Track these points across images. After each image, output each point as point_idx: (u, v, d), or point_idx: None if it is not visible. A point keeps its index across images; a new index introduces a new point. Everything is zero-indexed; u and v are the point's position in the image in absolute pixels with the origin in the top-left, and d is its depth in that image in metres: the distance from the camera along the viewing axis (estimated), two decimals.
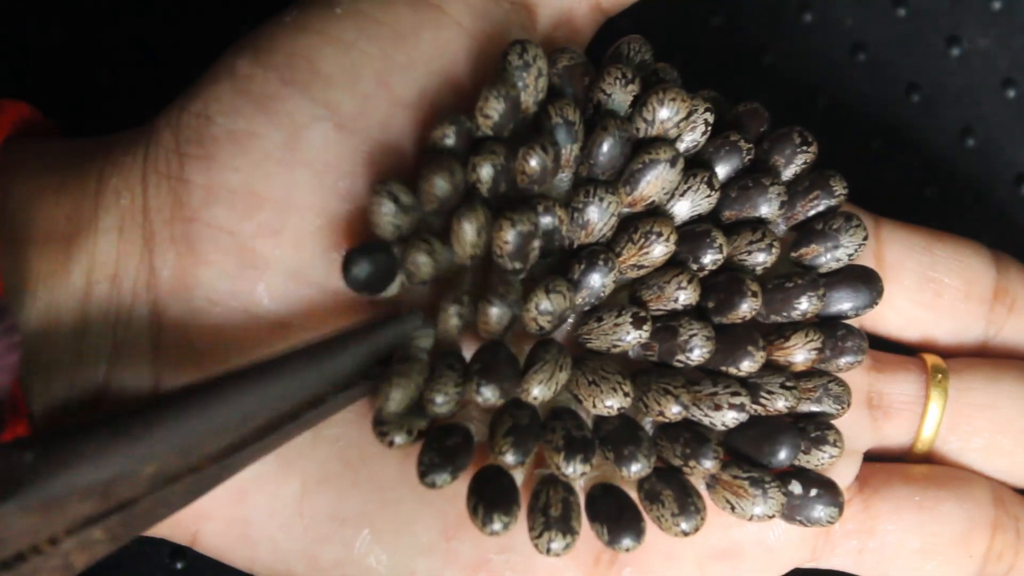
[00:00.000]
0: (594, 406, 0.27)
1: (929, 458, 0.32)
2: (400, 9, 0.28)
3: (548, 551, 0.27)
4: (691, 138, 0.29)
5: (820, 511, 0.29)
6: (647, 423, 0.29)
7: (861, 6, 0.37)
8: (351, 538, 0.28)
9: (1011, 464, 0.32)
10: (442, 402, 0.27)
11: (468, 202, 0.27)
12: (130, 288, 0.28)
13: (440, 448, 0.27)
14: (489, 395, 0.27)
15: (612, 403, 0.27)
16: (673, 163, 0.28)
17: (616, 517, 0.27)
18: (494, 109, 0.27)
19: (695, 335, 0.28)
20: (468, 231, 0.27)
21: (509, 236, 0.27)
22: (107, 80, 0.36)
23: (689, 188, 0.28)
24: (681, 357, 0.28)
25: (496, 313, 0.27)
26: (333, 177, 0.28)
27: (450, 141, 0.27)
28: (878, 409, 0.31)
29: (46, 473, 0.22)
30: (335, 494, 0.28)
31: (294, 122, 0.28)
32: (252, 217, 0.28)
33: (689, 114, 0.28)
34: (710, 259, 0.28)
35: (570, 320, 0.29)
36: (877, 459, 0.32)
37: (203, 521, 0.28)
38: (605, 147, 0.28)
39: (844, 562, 0.31)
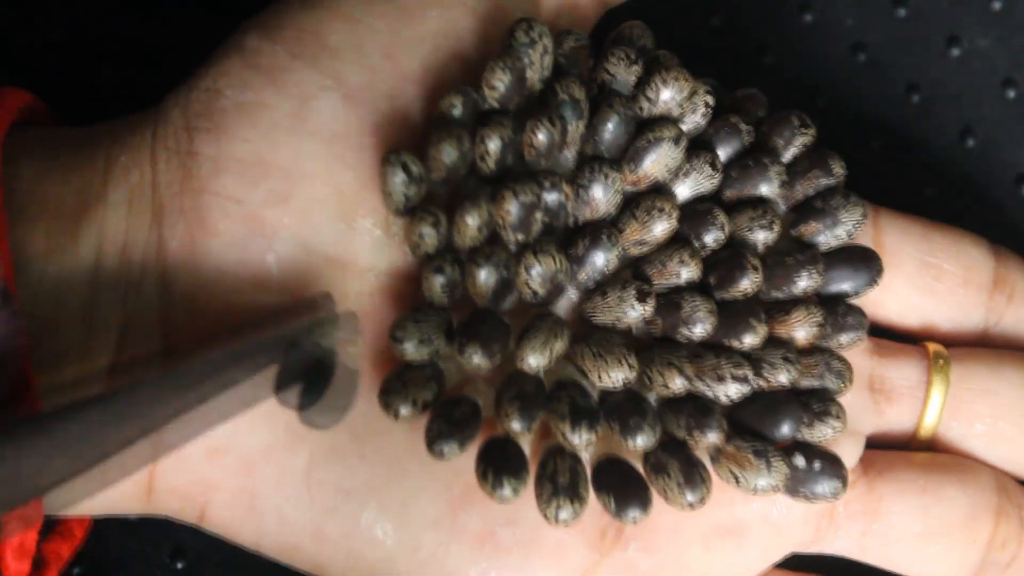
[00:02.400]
0: (599, 379, 0.28)
1: (932, 446, 0.32)
2: None
3: (556, 518, 0.27)
4: (692, 120, 0.29)
5: (824, 485, 0.29)
6: (652, 398, 0.29)
7: (861, 6, 0.38)
8: (358, 511, 0.28)
9: (1013, 451, 0.32)
10: (413, 351, 0.27)
11: (472, 196, 0.27)
12: (139, 260, 0.28)
13: (448, 418, 0.27)
14: (471, 354, 0.27)
15: (617, 375, 0.27)
16: (677, 142, 0.28)
17: (622, 487, 0.28)
18: (500, 81, 0.28)
19: (697, 309, 0.28)
20: (470, 226, 0.27)
21: (511, 207, 0.27)
22: (107, 78, 0.36)
23: (692, 169, 0.29)
24: (684, 331, 0.28)
25: (484, 275, 0.27)
26: (341, 147, 0.28)
27: (457, 111, 0.28)
28: (880, 393, 0.31)
29: None
30: (343, 466, 0.28)
31: (302, 93, 0.28)
32: (260, 185, 0.28)
33: (691, 94, 0.28)
34: (712, 237, 0.29)
35: (573, 296, 0.29)
36: (881, 447, 0.32)
37: (211, 492, 0.28)
38: (610, 125, 0.28)
39: (848, 544, 0.31)
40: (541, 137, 0.27)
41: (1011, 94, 0.37)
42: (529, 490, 0.28)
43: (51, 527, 0.29)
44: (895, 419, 0.32)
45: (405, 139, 0.28)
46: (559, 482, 0.27)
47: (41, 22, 0.36)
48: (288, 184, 0.28)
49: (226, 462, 0.28)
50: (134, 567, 0.33)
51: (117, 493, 0.28)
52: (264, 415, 0.28)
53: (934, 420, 0.32)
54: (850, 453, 0.31)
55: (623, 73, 0.28)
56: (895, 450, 0.32)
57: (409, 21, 0.29)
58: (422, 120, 0.29)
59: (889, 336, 0.33)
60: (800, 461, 0.29)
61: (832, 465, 0.29)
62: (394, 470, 0.28)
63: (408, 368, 0.28)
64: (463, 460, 0.28)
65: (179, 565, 0.33)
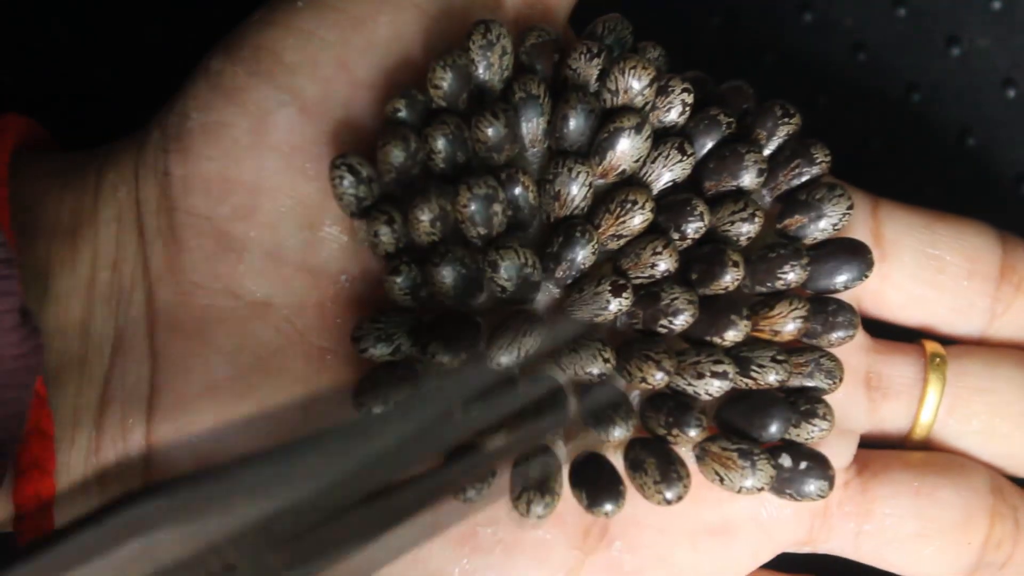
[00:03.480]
0: (575, 373, 0.28)
1: (927, 445, 0.32)
2: None
3: (528, 512, 0.27)
4: (669, 119, 0.29)
5: (810, 484, 0.29)
6: (634, 395, 0.29)
7: (861, 6, 0.38)
8: None
9: (1008, 448, 0.32)
10: (373, 350, 0.28)
11: (423, 191, 0.28)
12: (129, 275, 0.29)
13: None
14: (434, 352, 0.27)
15: (593, 369, 0.27)
16: (638, 130, 0.28)
17: (595, 481, 0.28)
18: (442, 79, 0.28)
19: (676, 299, 0.28)
20: (423, 219, 0.28)
21: (467, 201, 0.27)
22: (107, 80, 0.37)
23: (660, 155, 0.29)
24: (664, 322, 0.28)
25: (443, 274, 0.27)
26: (300, 159, 0.29)
27: (403, 114, 0.28)
28: (876, 390, 0.31)
29: None
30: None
31: (260, 109, 0.29)
32: (226, 201, 0.29)
33: (653, 81, 0.28)
34: (692, 228, 0.28)
35: (555, 292, 0.29)
36: (876, 445, 0.32)
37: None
38: (571, 120, 0.28)
39: (842, 545, 0.31)
40: (488, 131, 0.28)
41: (1011, 94, 0.37)
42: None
43: None
44: (891, 417, 0.32)
45: (361, 146, 0.29)
46: (530, 478, 0.27)
47: (41, 23, 0.37)
48: (252, 199, 0.29)
49: None
50: None
51: None
52: (249, 422, 0.28)
53: (930, 418, 0.31)
54: (843, 452, 0.31)
55: (584, 67, 0.28)
56: (890, 449, 0.32)
57: (361, 29, 0.29)
58: (377, 126, 0.29)
59: (892, 330, 0.32)
60: (787, 460, 0.29)
61: (819, 465, 0.29)
62: None
63: (380, 369, 0.28)
64: None
65: None
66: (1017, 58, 0.37)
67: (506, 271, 0.27)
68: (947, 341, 0.32)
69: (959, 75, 0.37)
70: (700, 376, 0.28)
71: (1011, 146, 0.37)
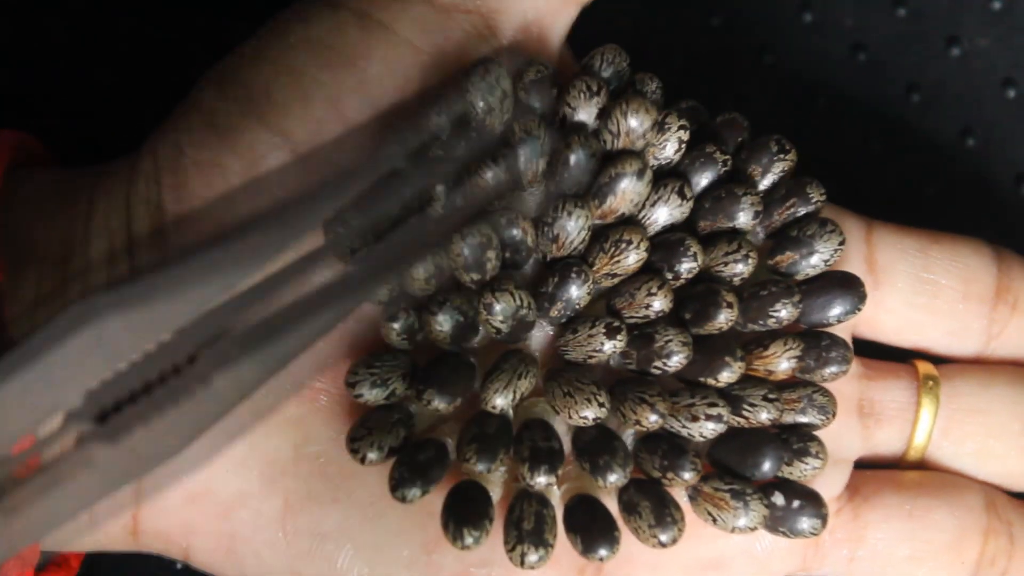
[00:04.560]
0: (570, 417, 0.28)
1: (922, 464, 0.32)
2: (349, 33, 0.29)
3: (522, 563, 0.27)
4: (665, 156, 0.29)
5: (803, 523, 0.29)
6: (628, 436, 0.29)
7: (861, 6, 0.37)
8: (333, 553, 0.29)
9: (1004, 468, 0.32)
10: (368, 394, 0.28)
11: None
12: None
13: (411, 463, 0.27)
14: (429, 399, 0.27)
15: (587, 414, 0.27)
16: (640, 175, 0.28)
17: (589, 527, 0.28)
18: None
19: (671, 340, 0.28)
20: (419, 278, 0.28)
21: (462, 249, 0.27)
22: (107, 79, 0.37)
23: (660, 199, 0.29)
24: (659, 364, 0.28)
25: (439, 321, 0.28)
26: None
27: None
28: (869, 417, 0.31)
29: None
30: (317, 511, 0.29)
31: (253, 152, 0.29)
32: None
33: (655, 124, 0.28)
34: (686, 267, 0.28)
35: (549, 330, 0.29)
36: (870, 466, 0.32)
37: (192, 536, 0.29)
38: (571, 163, 0.28)
39: (835, 571, 0.31)
40: (488, 177, 0.27)
41: (1011, 94, 0.37)
42: (500, 531, 0.28)
43: (48, 560, 0.30)
44: (884, 441, 0.32)
45: None
46: (524, 528, 0.27)
47: (41, 23, 0.37)
48: None
49: (204, 507, 0.28)
50: (134, 567, 0.34)
51: (104, 535, 0.29)
52: (239, 461, 0.28)
53: (924, 440, 0.32)
54: (835, 481, 0.31)
55: (584, 105, 0.28)
56: (884, 469, 0.32)
57: (352, 68, 0.29)
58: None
59: (887, 350, 0.32)
60: (779, 499, 0.29)
61: (812, 503, 0.29)
62: (368, 513, 0.29)
63: (374, 413, 0.28)
64: (437, 502, 0.28)
65: (179, 565, 0.34)
66: (1017, 58, 0.37)
67: (501, 312, 0.27)
68: (943, 361, 0.33)
69: (959, 75, 0.37)
70: (695, 419, 0.28)
71: (1011, 146, 0.37)
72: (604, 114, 0.28)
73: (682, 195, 0.29)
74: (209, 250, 0.22)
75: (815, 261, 0.29)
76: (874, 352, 0.32)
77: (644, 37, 0.31)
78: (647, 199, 0.29)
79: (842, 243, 0.29)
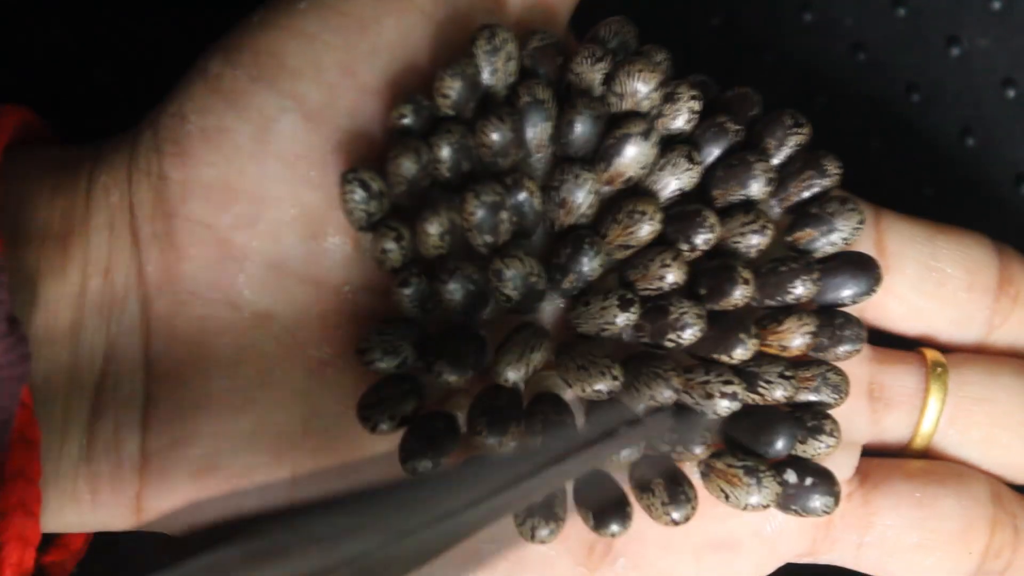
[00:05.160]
0: (583, 391, 0.27)
1: (928, 453, 0.32)
2: None
3: (533, 537, 0.27)
4: (676, 125, 0.29)
5: (816, 500, 0.29)
6: (640, 409, 0.28)
7: (861, 6, 0.37)
8: None
9: (1008, 458, 0.32)
10: (379, 362, 0.28)
11: (432, 204, 0.27)
12: (122, 283, 0.28)
13: (422, 434, 0.27)
14: (440, 371, 0.27)
15: (601, 387, 0.27)
16: (646, 136, 0.28)
17: (601, 502, 0.27)
18: (451, 88, 0.28)
19: (685, 313, 0.27)
20: (431, 233, 0.27)
21: (474, 208, 0.27)
22: (107, 79, 0.36)
23: (667, 163, 0.28)
24: (672, 336, 0.28)
25: (451, 289, 0.27)
26: (304, 167, 0.28)
27: (408, 121, 0.28)
28: (879, 401, 0.31)
29: None
30: (324, 485, 0.28)
31: (263, 116, 0.28)
32: (228, 210, 0.28)
33: (660, 86, 0.28)
34: (702, 239, 0.28)
35: (560, 303, 0.29)
36: (876, 454, 0.32)
37: (198, 512, 0.28)
38: (577, 125, 0.28)
39: (844, 556, 0.31)
40: (494, 136, 0.27)
41: (1011, 94, 0.37)
42: None
43: (50, 541, 0.30)
44: (892, 426, 0.31)
45: (368, 154, 0.29)
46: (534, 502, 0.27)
47: (41, 23, 0.37)
48: (255, 208, 0.28)
49: (210, 483, 0.28)
50: (133, 567, 0.33)
51: (107, 515, 0.28)
52: (247, 435, 0.28)
53: (930, 428, 0.31)
54: (845, 464, 0.30)
55: (588, 71, 0.28)
56: (891, 457, 0.32)
57: (365, 33, 0.29)
58: (383, 133, 0.29)
59: (891, 339, 0.32)
60: (792, 476, 0.29)
61: (824, 480, 0.29)
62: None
63: (385, 382, 0.28)
64: None
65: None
66: (1017, 58, 0.37)
67: (511, 280, 0.27)
68: (945, 350, 0.32)
69: (959, 75, 0.37)
70: (709, 396, 0.28)
71: (1011, 146, 0.37)
72: (609, 79, 0.28)
73: (690, 159, 0.28)
74: None
75: (835, 239, 0.29)
76: (876, 341, 0.32)
77: (644, 37, 0.31)
78: (655, 164, 0.28)
79: (861, 221, 0.29)
